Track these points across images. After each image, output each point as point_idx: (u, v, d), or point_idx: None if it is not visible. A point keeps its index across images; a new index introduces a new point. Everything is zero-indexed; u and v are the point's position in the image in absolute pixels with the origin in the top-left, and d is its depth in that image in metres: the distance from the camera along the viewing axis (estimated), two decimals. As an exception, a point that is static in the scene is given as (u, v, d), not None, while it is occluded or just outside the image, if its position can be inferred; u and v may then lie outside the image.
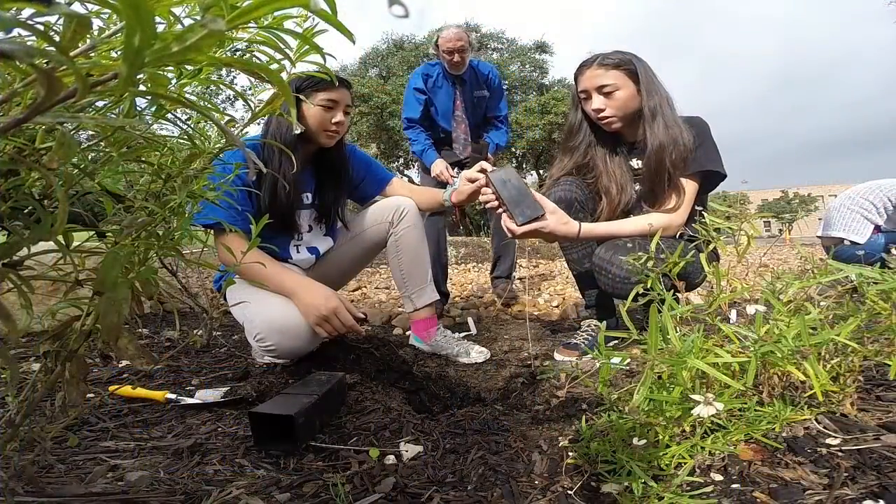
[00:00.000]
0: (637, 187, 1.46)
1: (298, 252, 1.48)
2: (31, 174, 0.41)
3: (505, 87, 2.94)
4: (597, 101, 1.37)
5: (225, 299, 1.38)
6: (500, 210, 1.21)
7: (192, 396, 1.07)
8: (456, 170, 2.44)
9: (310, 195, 1.51)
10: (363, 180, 1.65)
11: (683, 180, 1.35)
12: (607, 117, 1.39)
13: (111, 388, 1.07)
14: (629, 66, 1.36)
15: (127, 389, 1.06)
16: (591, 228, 1.32)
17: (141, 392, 1.06)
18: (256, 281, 1.17)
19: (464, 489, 0.68)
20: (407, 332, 1.83)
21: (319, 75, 0.51)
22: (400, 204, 1.55)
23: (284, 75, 0.44)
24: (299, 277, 1.27)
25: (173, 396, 1.05)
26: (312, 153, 1.47)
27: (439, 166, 2.45)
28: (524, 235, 1.20)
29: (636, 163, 1.47)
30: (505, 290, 2.59)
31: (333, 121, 1.38)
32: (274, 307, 1.21)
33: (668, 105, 1.36)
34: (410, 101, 2.53)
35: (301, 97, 1.32)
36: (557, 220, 1.24)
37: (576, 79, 1.44)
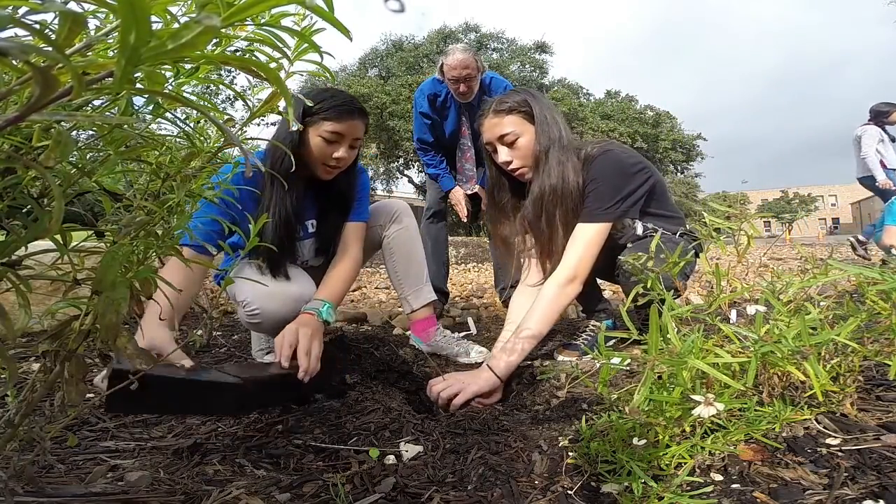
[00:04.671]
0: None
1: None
2: (28, 173, 0.41)
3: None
4: (502, 154, 1.28)
5: (226, 291, 1.38)
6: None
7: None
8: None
9: (314, 223, 1.41)
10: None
11: (584, 227, 1.23)
12: (517, 169, 1.29)
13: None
14: (524, 107, 1.27)
15: None
16: (507, 362, 1.16)
17: None
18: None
19: (464, 489, 0.68)
20: (407, 332, 1.83)
21: (318, 75, 0.51)
22: (392, 207, 1.57)
23: (283, 74, 0.44)
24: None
25: None
26: (313, 178, 1.32)
27: (458, 195, 2.42)
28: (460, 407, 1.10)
29: None
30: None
31: (334, 155, 1.23)
32: (266, 282, 1.22)
33: (558, 146, 1.25)
34: (419, 124, 2.41)
35: (306, 121, 1.20)
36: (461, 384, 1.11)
37: (479, 130, 1.34)
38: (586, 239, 1.22)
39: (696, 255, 1.29)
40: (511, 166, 1.29)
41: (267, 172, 1.19)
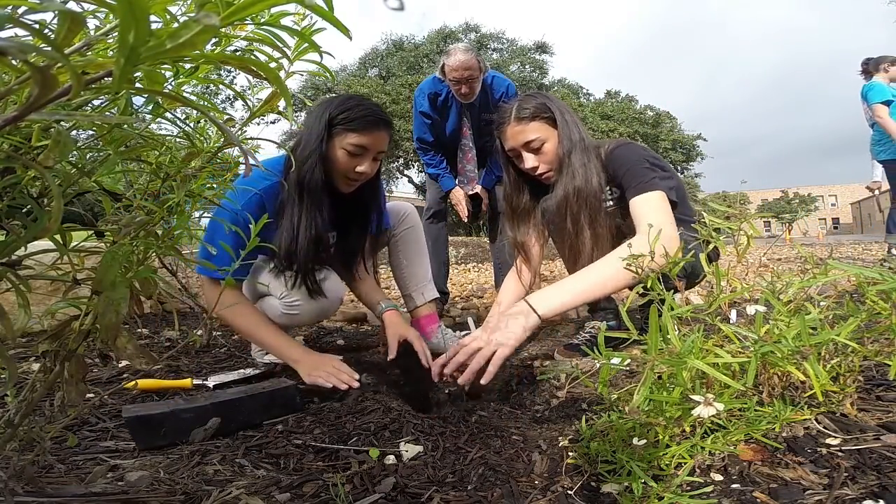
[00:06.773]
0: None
1: None
2: (27, 172, 0.41)
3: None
4: (529, 160, 1.30)
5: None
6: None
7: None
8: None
9: (332, 236, 1.37)
10: None
11: (642, 197, 1.16)
12: (544, 173, 1.32)
13: (131, 384, 1.10)
14: (546, 113, 1.28)
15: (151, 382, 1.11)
16: (556, 300, 1.02)
17: (166, 383, 1.11)
18: (246, 334, 1.21)
19: (464, 489, 0.68)
20: (407, 332, 1.83)
21: (318, 74, 0.51)
22: (402, 208, 1.62)
23: (282, 73, 0.44)
24: (301, 349, 1.20)
25: (199, 382, 1.11)
26: (333, 189, 1.27)
27: (458, 195, 2.41)
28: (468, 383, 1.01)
29: None
30: None
31: (357, 169, 1.18)
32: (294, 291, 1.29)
33: (580, 147, 1.26)
34: (419, 124, 2.39)
35: (329, 131, 1.16)
36: (488, 336, 0.99)
37: (498, 137, 1.35)
38: (653, 205, 1.14)
39: (717, 257, 1.34)
40: (538, 171, 1.31)
41: (294, 184, 1.15)
